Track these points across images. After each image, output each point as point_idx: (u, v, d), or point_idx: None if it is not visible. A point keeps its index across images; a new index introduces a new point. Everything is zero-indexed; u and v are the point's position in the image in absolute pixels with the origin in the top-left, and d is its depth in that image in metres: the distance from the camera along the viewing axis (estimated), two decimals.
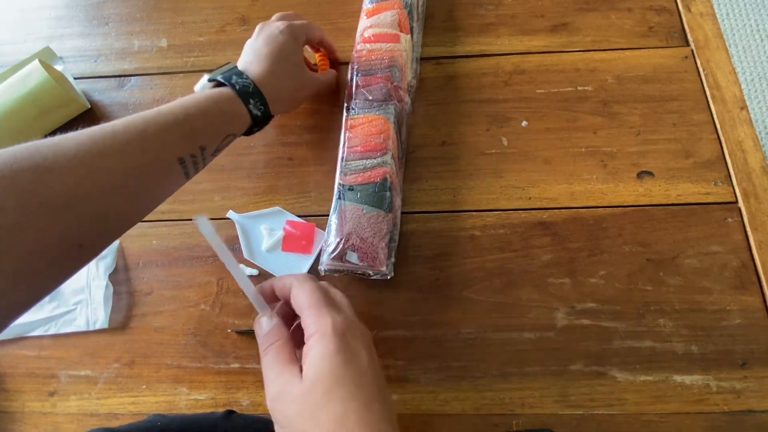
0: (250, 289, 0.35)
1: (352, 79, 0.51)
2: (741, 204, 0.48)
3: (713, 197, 0.49)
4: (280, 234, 0.49)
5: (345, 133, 0.49)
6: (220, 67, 0.47)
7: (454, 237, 0.49)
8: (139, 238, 0.52)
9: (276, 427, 0.32)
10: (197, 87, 0.47)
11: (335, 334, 0.32)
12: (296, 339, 0.34)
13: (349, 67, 0.52)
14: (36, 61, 0.54)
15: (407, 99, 0.52)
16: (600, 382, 0.43)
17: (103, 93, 0.60)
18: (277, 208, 0.50)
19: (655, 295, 0.45)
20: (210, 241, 0.34)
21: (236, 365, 0.46)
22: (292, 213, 0.51)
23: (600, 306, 0.45)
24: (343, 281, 0.48)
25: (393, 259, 0.46)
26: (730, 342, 0.43)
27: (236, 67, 0.47)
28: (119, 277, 0.50)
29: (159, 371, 0.47)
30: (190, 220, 0.52)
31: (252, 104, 0.44)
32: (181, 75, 0.60)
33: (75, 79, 0.60)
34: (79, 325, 0.48)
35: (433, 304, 0.47)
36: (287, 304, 0.36)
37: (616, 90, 0.54)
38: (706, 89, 0.53)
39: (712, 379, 0.42)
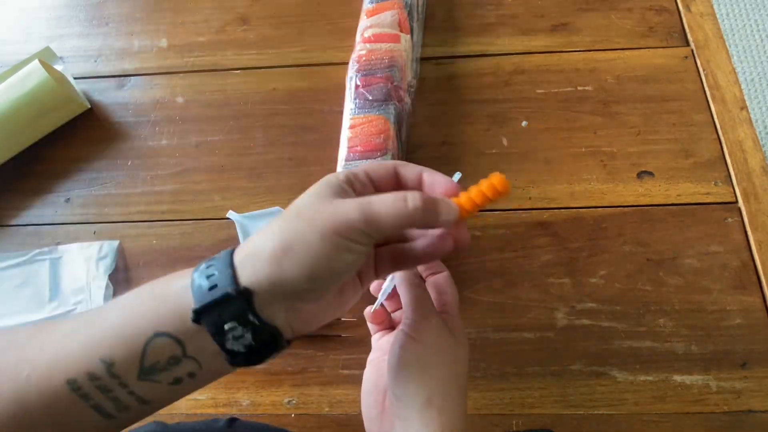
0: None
1: (352, 79, 0.51)
2: (741, 204, 0.48)
3: (713, 197, 0.49)
4: None
5: (345, 133, 0.49)
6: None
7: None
8: (139, 238, 0.52)
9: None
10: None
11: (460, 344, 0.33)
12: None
13: (349, 67, 0.52)
14: (36, 61, 0.54)
15: (407, 99, 0.52)
16: (600, 382, 0.43)
17: (103, 93, 0.60)
18: (276, 208, 0.50)
19: (655, 295, 0.45)
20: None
21: None
22: None
23: (600, 306, 0.45)
24: None
25: None
26: (730, 342, 0.43)
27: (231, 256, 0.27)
28: (119, 277, 0.50)
29: None
30: (190, 220, 0.52)
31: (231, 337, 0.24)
32: (181, 75, 0.60)
33: (75, 79, 0.60)
34: None
35: None
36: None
37: (616, 90, 0.54)
38: (706, 89, 0.53)
39: (712, 379, 0.42)
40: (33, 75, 0.53)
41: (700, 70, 0.54)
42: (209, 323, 0.24)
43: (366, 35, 0.52)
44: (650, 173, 0.50)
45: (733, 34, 1.41)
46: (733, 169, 0.49)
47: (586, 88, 0.54)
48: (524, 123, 0.53)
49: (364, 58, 0.51)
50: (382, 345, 0.37)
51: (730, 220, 0.48)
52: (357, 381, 0.44)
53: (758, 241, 0.46)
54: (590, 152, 0.51)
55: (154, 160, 0.56)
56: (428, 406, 0.30)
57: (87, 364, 0.24)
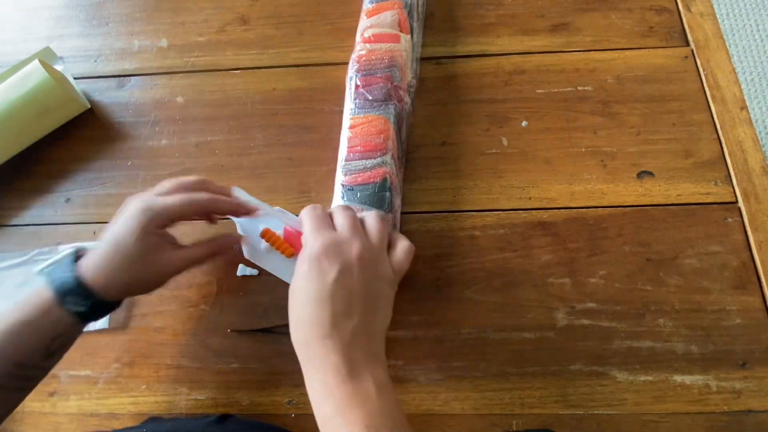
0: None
1: (352, 79, 0.51)
2: (741, 204, 0.48)
3: (713, 197, 0.49)
4: (279, 234, 0.49)
5: (345, 133, 0.49)
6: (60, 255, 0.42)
7: (454, 237, 0.49)
8: None
9: None
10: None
11: (308, 258, 0.36)
12: None
13: (349, 67, 0.52)
14: (36, 61, 0.54)
15: (407, 99, 0.52)
16: (600, 382, 0.43)
17: (103, 93, 0.60)
18: (278, 208, 0.50)
19: (655, 295, 0.45)
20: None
21: (236, 365, 0.46)
22: (293, 213, 0.51)
23: (600, 306, 0.45)
24: None
25: None
26: (730, 342, 0.43)
27: (75, 252, 0.40)
28: None
29: (159, 371, 0.47)
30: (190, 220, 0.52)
31: (71, 302, 0.38)
32: (181, 75, 0.60)
33: (75, 79, 0.60)
34: None
35: (433, 304, 0.47)
36: None
37: (616, 90, 0.54)
38: (706, 89, 0.53)
39: (712, 379, 0.42)
40: (33, 75, 0.53)
41: (700, 70, 0.54)
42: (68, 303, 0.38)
43: (366, 35, 0.52)
44: (650, 173, 0.50)
45: (733, 34, 1.41)
46: (733, 169, 0.49)
47: (586, 88, 0.54)
48: (524, 123, 0.53)
49: (364, 58, 0.51)
50: None
51: (730, 220, 0.48)
52: None
53: (758, 241, 0.46)
54: (590, 152, 0.51)
55: (154, 160, 0.56)
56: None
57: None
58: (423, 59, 0.57)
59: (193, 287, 0.49)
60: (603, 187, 0.50)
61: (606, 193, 0.50)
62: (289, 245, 0.46)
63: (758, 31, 1.41)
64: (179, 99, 0.59)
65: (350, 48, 0.55)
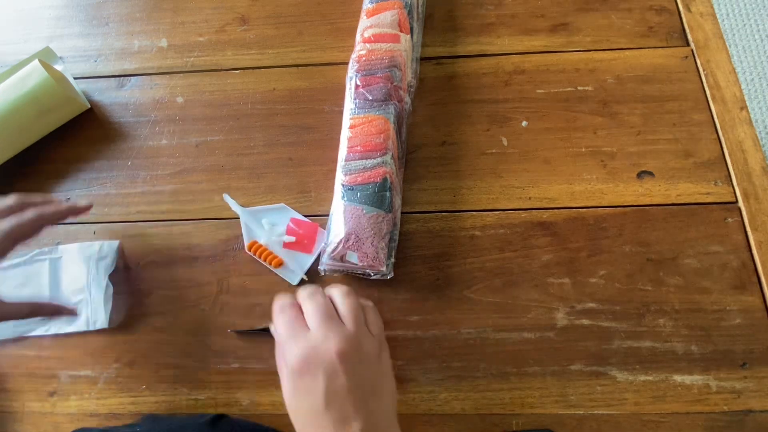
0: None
1: (352, 79, 0.51)
2: (741, 204, 0.48)
3: (713, 197, 0.49)
4: (281, 230, 0.50)
5: (345, 132, 0.49)
6: None
7: (454, 237, 0.49)
8: (139, 238, 0.52)
9: None
10: None
11: (290, 375, 0.35)
12: None
13: (349, 67, 0.52)
14: (36, 61, 0.54)
15: (407, 99, 0.52)
16: (600, 382, 0.43)
17: (103, 93, 0.60)
18: (281, 204, 0.50)
19: (655, 295, 0.45)
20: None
21: (236, 365, 0.46)
22: (293, 213, 0.51)
23: (600, 306, 0.45)
24: (343, 281, 0.48)
25: (393, 259, 0.46)
26: (730, 342, 0.43)
27: None
28: (119, 277, 0.50)
29: (159, 371, 0.47)
30: (190, 220, 0.52)
31: None
32: (181, 75, 0.60)
33: (75, 79, 0.60)
34: (79, 325, 0.48)
35: (433, 304, 0.47)
36: None
37: (616, 90, 0.54)
38: (706, 89, 0.53)
39: (712, 379, 0.42)
40: (33, 75, 0.53)
41: (700, 70, 0.54)
42: None
43: (366, 35, 0.52)
44: (650, 173, 0.50)
45: (733, 34, 1.41)
46: (733, 169, 0.49)
47: (586, 88, 0.54)
48: (524, 123, 0.53)
49: (364, 58, 0.51)
50: None
51: (730, 220, 0.48)
52: None
53: (758, 241, 0.46)
54: (590, 152, 0.51)
55: (154, 160, 0.56)
56: None
57: None
58: (423, 59, 0.57)
59: (193, 287, 0.49)
60: (603, 187, 0.50)
61: (606, 193, 0.50)
62: (275, 256, 0.48)
63: (758, 31, 1.41)
64: (179, 99, 0.59)
65: (350, 48, 0.55)
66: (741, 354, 0.43)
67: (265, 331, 0.47)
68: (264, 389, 0.45)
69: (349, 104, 0.50)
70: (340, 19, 0.61)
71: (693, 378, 0.43)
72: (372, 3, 0.55)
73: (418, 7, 0.56)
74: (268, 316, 0.47)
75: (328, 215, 0.48)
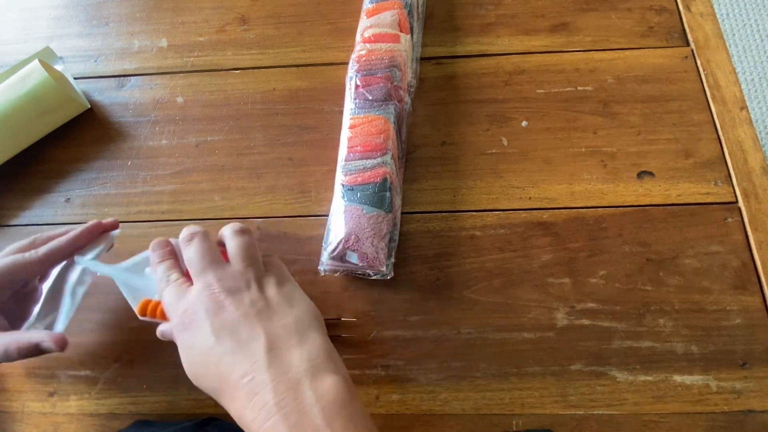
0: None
1: (352, 79, 0.51)
2: (741, 204, 0.48)
3: (713, 197, 0.49)
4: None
5: (345, 132, 0.49)
6: None
7: (454, 237, 0.49)
8: (139, 238, 0.52)
9: None
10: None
11: (178, 336, 0.35)
12: None
13: (349, 67, 0.52)
14: (36, 61, 0.54)
15: (407, 99, 0.52)
16: (600, 382, 0.43)
17: (103, 93, 0.60)
18: (147, 252, 0.42)
19: (655, 295, 0.45)
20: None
21: None
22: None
23: (600, 306, 0.45)
24: (343, 281, 0.48)
25: (393, 259, 0.46)
26: (730, 342, 0.43)
27: None
28: None
29: (159, 371, 0.47)
30: (190, 220, 0.52)
31: None
32: (181, 75, 0.60)
33: (75, 79, 0.60)
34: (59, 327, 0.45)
35: (433, 304, 0.47)
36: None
37: (616, 90, 0.54)
38: (706, 89, 0.53)
39: (712, 379, 0.42)
40: (33, 75, 0.53)
41: (700, 70, 0.54)
42: None
43: (366, 35, 0.53)
44: (650, 173, 0.50)
45: (733, 34, 1.41)
46: (733, 169, 0.49)
47: (586, 88, 0.54)
48: (524, 123, 0.53)
49: (364, 58, 0.51)
50: None
51: (730, 220, 0.48)
52: (356, 381, 0.44)
53: (758, 241, 0.46)
54: (590, 152, 0.51)
55: (154, 160, 0.56)
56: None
57: None
58: (423, 59, 0.57)
59: None
60: (603, 187, 0.50)
61: (606, 193, 0.50)
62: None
63: (758, 31, 1.41)
64: (179, 99, 0.59)
65: (350, 48, 0.55)
66: (741, 354, 0.43)
67: None
68: None
69: (349, 104, 0.50)
70: (340, 19, 0.61)
71: (693, 378, 0.43)
72: (372, 3, 0.55)
73: (418, 7, 0.56)
74: None
75: (328, 215, 0.48)
